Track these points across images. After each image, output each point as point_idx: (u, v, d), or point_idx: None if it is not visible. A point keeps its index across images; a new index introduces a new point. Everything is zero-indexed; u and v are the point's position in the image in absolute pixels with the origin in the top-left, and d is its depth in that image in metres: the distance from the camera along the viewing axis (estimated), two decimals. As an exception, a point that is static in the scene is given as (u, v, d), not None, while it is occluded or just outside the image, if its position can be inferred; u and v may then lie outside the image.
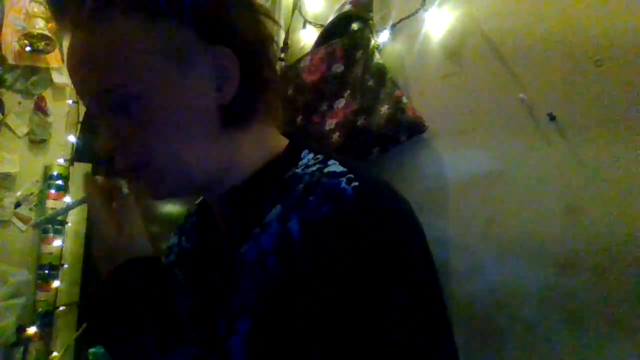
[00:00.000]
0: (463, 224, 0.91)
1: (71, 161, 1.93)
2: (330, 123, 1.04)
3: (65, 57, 0.53)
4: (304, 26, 1.32)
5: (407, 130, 0.97)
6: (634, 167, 0.71)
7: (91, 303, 0.49)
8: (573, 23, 0.79)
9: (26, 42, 1.77)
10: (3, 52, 1.80)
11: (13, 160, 1.83)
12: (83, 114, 1.89)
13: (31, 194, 1.88)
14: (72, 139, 1.92)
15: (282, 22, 1.38)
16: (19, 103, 1.87)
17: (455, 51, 0.96)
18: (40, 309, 1.79)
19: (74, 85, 0.52)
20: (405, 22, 1.04)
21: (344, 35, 1.08)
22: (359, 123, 0.99)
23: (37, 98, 1.89)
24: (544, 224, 0.80)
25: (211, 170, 0.53)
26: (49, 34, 1.78)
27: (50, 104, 1.93)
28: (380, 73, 1.01)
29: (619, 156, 0.72)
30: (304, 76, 1.12)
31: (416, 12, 1.01)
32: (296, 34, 1.35)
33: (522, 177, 0.83)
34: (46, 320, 1.80)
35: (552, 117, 0.79)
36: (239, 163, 0.55)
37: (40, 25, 1.77)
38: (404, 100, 0.97)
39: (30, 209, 1.87)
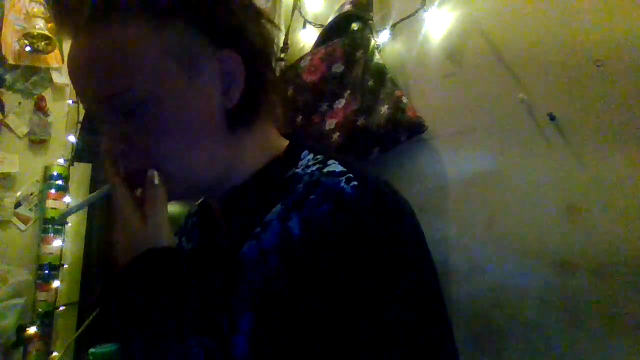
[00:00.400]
0: (463, 224, 0.91)
1: (71, 161, 1.92)
2: (330, 123, 1.04)
3: (66, 61, 0.51)
4: (304, 26, 1.32)
5: (407, 130, 0.97)
6: (634, 167, 0.71)
7: (108, 291, 0.49)
8: (573, 23, 0.79)
9: (26, 42, 1.77)
10: (3, 52, 1.80)
11: (13, 160, 1.83)
12: (83, 114, 1.89)
13: (31, 194, 1.88)
14: (72, 139, 1.92)
15: (282, 22, 1.38)
16: (19, 103, 1.86)
17: (455, 51, 0.96)
18: (40, 309, 1.78)
19: (76, 90, 0.51)
20: (405, 22, 1.04)
21: (344, 35, 1.08)
22: (359, 123, 0.99)
23: (37, 98, 1.89)
24: (544, 224, 0.80)
25: (217, 172, 0.54)
26: (49, 34, 1.78)
27: (50, 104, 1.93)
28: (380, 73, 1.01)
29: (619, 156, 0.72)
30: (304, 76, 1.12)
31: (416, 12, 1.01)
32: (296, 34, 1.35)
33: (522, 177, 0.83)
34: (46, 320, 1.80)
35: (552, 117, 0.79)
36: (241, 164, 0.55)
37: (40, 25, 1.76)
38: (404, 100, 0.97)
39: (30, 209, 1.87)
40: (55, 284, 1.83)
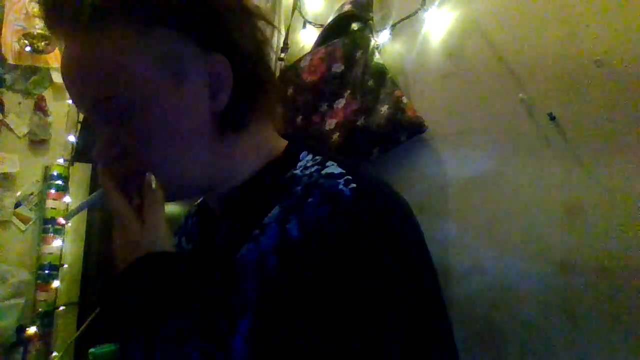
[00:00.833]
0: (463, 224, 0.91)
1: (71, 161, 1.92)
2: (330, 123, 1.04)
3: (60, 67, 0.51)
4: (304, 26, 1.32)
5: (407, 130, 0.97)
6: (634, 167, 0.71)
7: (107, 293, 0.49)
8: (573, 23, 0.79)
9: (26, 42, 1.77)
10: (3, 52, 1.80)
11: (13, 160, 1.83)
12: (83, 114, 1.89)
13: (31, 194, 1.88)
14: (72, 139, 1.92)
15: (282, 22, 1.38)
16: (19, 103, 1.87)
17: (455, 51, 0.96)
18: (40, 309, 1.78)
19: (70, 95, 0.52)
20: (405, 22, 1.04)
21: (344, 35, 1.08)
22: (359, 123, 0.99)
23: (37, 98, 1.89)
24: (543, 224, 0.80)
25: (210, 175, 0.54)
26: (49, 34, 1.78)
27: (50, 104, 1.93)
28: (380, 73, 1.01)
29: (619, 156, 0.72)
30: (304, 76, 1.12)
31: (416, 12, 1.01)
32: (296, 34, 1.35)
33: (522, 177, 0.83)
34: (46, 320, 1.80)
35: (552, 117, 0.79)
36: (238, 166, 0.55)
37: (40, 25, 1.76)
38: (404, 100, 0.97)
39: (30, 209, 1.87)
40: (55, 284, 1.83)
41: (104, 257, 1.97)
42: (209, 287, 0.53)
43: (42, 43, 1.79)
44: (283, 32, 1.34)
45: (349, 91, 1.04)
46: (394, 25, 1.06)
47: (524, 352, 0.80)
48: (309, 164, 0.51)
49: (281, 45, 1.31)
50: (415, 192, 0.98)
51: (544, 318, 0.78)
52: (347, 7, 1.10)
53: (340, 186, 0.46)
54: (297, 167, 0.52)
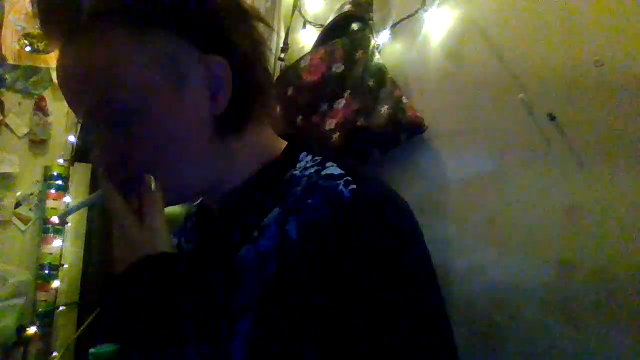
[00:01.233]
0: (463, 224, 0.91)
1: (71, 161, 1.92)
2: (330, 123, 1.04)
3: (55, 73, 0.51)
4: (304, 26, 1.32)
5: (407, 130, 0.97)
6: (633, 166, 0.71)
7: (107, 296, 0.49)
8: (573, 23, 0.79)
9: (26, 42, 1.77)
10: (3, 52, 1.80)
11: (13, 160, 1.83)
12: (80, 119, 1.89)
13: (31, 194, 1.87)
14: (72, 139, 1.92)
15: (282, 22, 1.38)
16: (19, 103, 1.86)
17: (455, 51, 0.96)
18: (40, 309, 1.78)
19: (66, 99, 0.51)
20: (405, 22, 1.04)
21: (344, 35, 1.08)
22: (359, 123, 0.99)
23: (37, 98, 1.89)
24: (543, 224, 0.80)
25: (209, 177, 0.54)
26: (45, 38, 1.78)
27: (50, 104, 1.93)
28: (380, 73, 1.01)
29: (619, 156, 0.72)
30: (304, 76, 1.11)
31: (416, 12, 1.01)
32: (296, 34, 1.35)
33: (522, 177, 0.83)
34: (46, 320, 1.79)
35: (552, 117, 0.79)
36: (237, 167, 0.55)
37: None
38: (404, 100, 0.97)
39: (30, 209, 1.87)
40: (55, 284, 1.83)
41: (104, 257, 1.97)
42: (208, 289, 0.53)
43: (42, 43, 1.79)
44: (283, 32, 1.34)
45: (349, 91, 1.04)
46: (394, 25, 1.06)
47: (524, 352, 0.80)
48: (308, 165, 0.51)
49: (280, 45, 1.31)
50: (415, 192, 0.98)
51: (544, 318, 0.78)
52: (347, 7, 1.10)
53: (340, 187, 0.45)
54: (297, 168, 0.52)
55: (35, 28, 1.76)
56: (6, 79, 1.82)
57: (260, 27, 0.56)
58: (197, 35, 0.49)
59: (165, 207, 0.54)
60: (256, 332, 0.45)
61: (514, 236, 0.83)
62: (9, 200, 1.81)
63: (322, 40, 1.15)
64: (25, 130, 1.87)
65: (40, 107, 1.89)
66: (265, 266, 0.46)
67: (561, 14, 0.80)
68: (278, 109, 1.13)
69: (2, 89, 1.80)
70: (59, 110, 1.97)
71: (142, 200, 0.50)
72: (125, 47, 0.47)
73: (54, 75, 1.93)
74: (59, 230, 1.87)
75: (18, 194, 1.84)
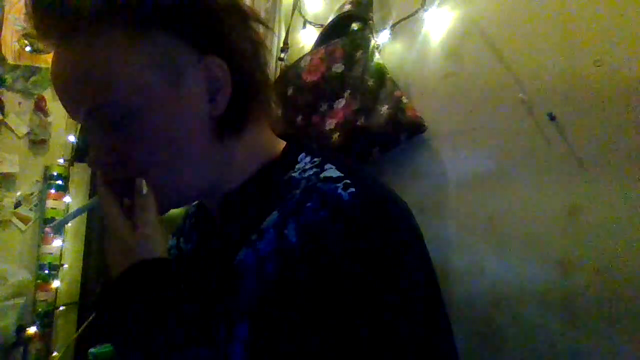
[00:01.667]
0: (463, 224, 0.91)
1: (71, 161, 1.92)
2: (330, 123, 1.04)
3: (50, 72, 0.50)
4: (304, 26, 1.32)
5: (407, 130, 0.97)
6: (633, 166, 0.71)
7: (102, 301, 0.48)
8: (573, 23, 0.79)
9: (26, 42, 1.77)
10: (3, 52, 1.80)
11: (13, 160, 1.83)
12: (76, 122, 1.89)
13: (31, 194, 1.87)
14: (72, 139, 1.92)
15: (282, 22, 1.38)
16: (19, 103, 1.86)
17: (455, 51, 0.96)
18: (40, 309, 1.78)
19: (62, 102, 0.50)
20: (405, 22, 1.04)
21: (344, 35, 1.08)
22: (359, 123, 0.99)
23: (37, 98, 1.89)
24: (544, 224, 0.80)
25: (208, 179, 0.53)
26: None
27: (50, 104, 1.93)
28: (380, 73, 1.01)
29: (619, 156, 0.72)
30: (304, 76, 1.11)
31: (416, 12, 1.01)
32: (296, 34, 1.35)
33: (522, 177, 0.83)
34: (46, 320, 1.80)
35: (552, 117, 0.79)
36: (236, 169, 0.54)
37: (40, 25, 1.76)
38: (404, 100, 0.97)
39: (30, 209, 1.87)
40: (55, 284, 1.83)
41: (104, 257, 1.97)
42: (206, 293, 0.52)
43: (42, 43, 1.79)
44: (283, 32, 1.34)
45: (349, 91, 1.04)
46: (394, 25, 1.06)
47: (524, 352, 0.80)
48: (307, 167, 0.51)
49: (280, 45, 1.31)
50: (415, 192, 0.98)
51: (544, 318, 0.78)
52: (347, 7, 1.10)
53: (339, 190, 0.45)
54: (296, 169, 0.51)
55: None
56: (6, 79, 1.82)
57: (259, 28, 0.56)
58: (196, 36, 0.49)
59: (165, 210, 0.54)
60: (255, 336, 0.45)
61: (514, 236, 0.83)
62: (9, 200, 1.81)
63: (322, 40, 1.15)
64: (25, 130, 1.87)
65: (40, 107, 1.89)
66: (264, 270, 0.46)
67: (561, 14, 0.80)
68: (278, 109, 1.13)
69: (2, 89, 1.80)
70: (59, 110, 1.97)
71: (135, 204, 0.50)
72: (122, 49, 0.46)
73: (54, 75, 1.94)
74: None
75: (18, 194, 1.84)
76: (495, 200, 0.87)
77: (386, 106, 0.97)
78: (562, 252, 0.77)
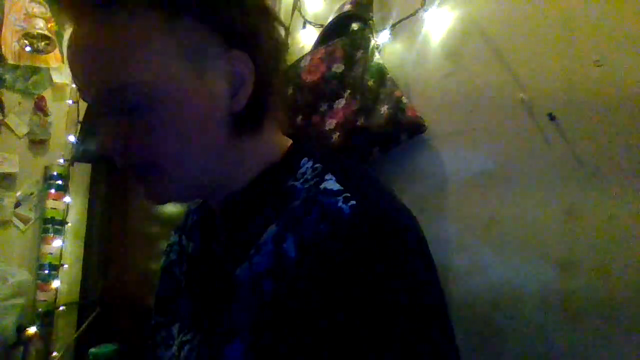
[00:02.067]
0: (463, 224, 0.91)
1: (71, 161, 1.92)
2: (330, 123, 1.04)
3: (67, 49, 0.47)
4: (304, 26, 1.32)
5: (407, 130, 0.96)
6: (634, 166, 0.71)
7: None
8: (573, 23, 0.79)
9: (26, 42, 1.77)
10: (3, 52, 1.80)
11: (13, 160, 1.83)
12: (83, 114, 1.89)
13: (31, 194, 1.88)
14: (72, 139, 1.92)
15: (282, 22, 1.37)
16: (19, 103, 1.86)
17: (455, 51, 0.96)
18: (40, 309, 1.78)
19: (76, 81, 0.48)
20: (405, 22, 1.04)
21: (344, 35, 1.08)
22: (359, 123, 0.99)
23: (37, 98, 1.89)
24: (543, 224, 0.80)
25: (216, 176, 0.52)
26: (49, 34, 1.78)
27: (50, 104, 1.93)
28: (380, 73, 1.01)
29: (619, 156, 0.72)
30: (304, 76, 1.11)
31: (416, 12, 1.01)
32: (296, 34, 1.35)
33: (522, 177, 0.83)
34: (46, 320, 1.80)
35: (552, 117, 0.79)
36: (243, 168, 0.53)
37: (40, 25, 1.76)
38: (404, 100, 0.97)
39: (30, 209, 1.87)
40: (55, 284, 1.83)
41: (104, 257, 1.97)
42: (201, 303, 0.51)
43: (42, 43, 1.79)
44: (283, 32, 1.34)
45: (349, 91, 1.04)
46: (394, 25, 1.06)
47: (524, 352, 0.80)
48: (308, 175, 0.50)
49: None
50: (415, 192, 0.98)
51: (544, 318, 0.78)
52: (347, 7, 1.10)
53: (340, 204, 0.44)
54: (297, 176, 0.50)
55: (35, 28, 1.76)
56: (6, 79, 1.82)
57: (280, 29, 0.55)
58: (226, 29, 0.47)
59: (164, 202, 0.53)
60: (249, 356, 0.43)
61: (513, 236, 0.83)
62: (9, 200, 1.81)
63: (322, 40, 1.15)
64: (25, 130, 1.88)
65: (40, 107, 1.89)
66: (260, 286, 0.45)
67: (561, 14, 0.80)
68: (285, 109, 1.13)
69: (2, 89, 1.80)
70: (59, 110, 1.98)
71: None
72: (155, 31, 0.44)
73: (54, 75, 1.94)
74: (59, 230, 1.88)
75: (18, 194, 1.84)
76: (495, 200, 0.86)
77: (386, 106, 0.97)
78: (562, 252, 0.77)
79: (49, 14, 1.81)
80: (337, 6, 1.16)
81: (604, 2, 0.75)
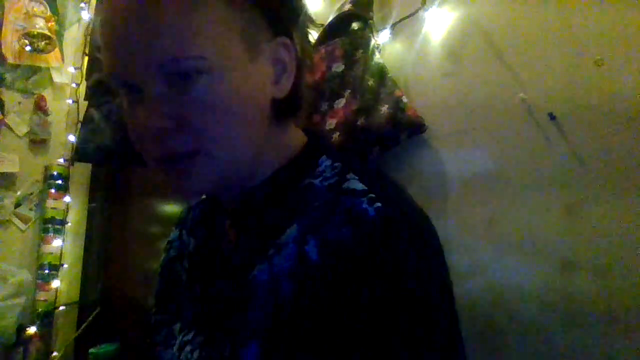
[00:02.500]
0: (463, 224, 0.91)
1: (71, 161, 1.92)
2: (331, 123, 1.04)
3: (110, 20, 0.43)
4: (304, 26, 1.32)
5: (407, 130, 0.96)
6: (634, 166, 0.71)
7: None
8: (573, 23, 0.79)
9: (26, 41, 1.76)
10: (3, 52, 1.80)
11: (13, 160, 1.83)
12: (84, 114, 1.89)
13: (31, 194, 1.87)
14: (72, 138, 1.92)
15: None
16: (19, 103, 1.86)
17: (455, 51, 0.96)
18: (40, 309, 1.78)
19: (119, 51, 0.43)
20: (405, 22, 1.04)
21: (344, 34, 1.08)
22: (359, 123, 0.99)
23: (37, 98, 1.89)
24: (544, 224, 0.80)
25: (251, 164, 0.50)
26: (49, 34, 1.78)
27: (50, 104, 1.93)
28: (381, 73, 1.01)
29: (619, 156, 0.72)
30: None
31: (416, 12, 1.01)
32: (296, 34, 1.34)
33: (522, 177, 0.83)
34: (46, 320, 1.80)
35: (552, 117, 0.79)
36: (263, 162, 0.52)
37: (40, 25, 1.76)
38: (404, 100, 0.97)
39: (30, 209, 1.87)
40: (55, 284, 1.83)
41: (104, 257, 1.97)
42: (214, 303, 0.50)
43: (42, 42, 1.79)
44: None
45: (349, 91, 1.04)
46: (394, 25, 1.06)
47: (524, 352, 0.80)
48: (327, 174, 0.49)
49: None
50: (415, 192, 0.97)
51: (544, 318, 0.78)
52: (348, 7, 1.10)
53: (364, 205, 0.43)
54: (316, 174, 0.49)
55: (35, 28, 1.76)
56: (6, 78, 1.82)
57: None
58: (272, 14, 0.47)
59: (197, 192, 0.52)
60: (268, 357, 0.43)
61: (514, 236, 0.83)
62: (9, 200, 1.81)
63: (322, 40, 1.15)
64: (25, 130, 1.87)
65: (40, 107, 1.89)
66: (280, 288, 0.44)
67: (561, 13, 0.80)
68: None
69: (2, 89, 1.80)
70: (59, 110, 1.97)
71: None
72: (219, 9, 0.43)
73: (54, 74, 1.93)
74: (59, 230, 1.87)
75: (18, 194, 1.84)
76: (495, 200, 0.87)
77: (386, 106, 0.97)
78: (562, 252, 0.77)
79: (49, 14, 1.81)
80: (337, 6, 1.16)
81: (604, 2, 0.75)
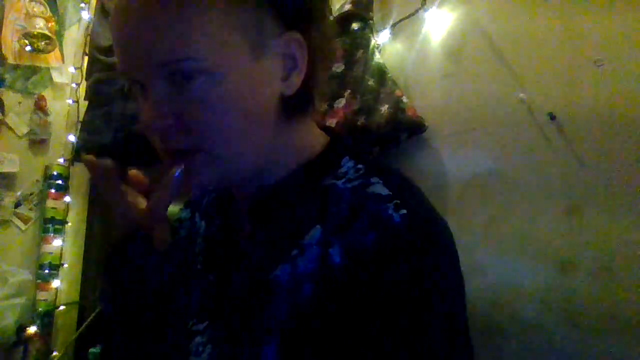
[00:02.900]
0: (463, 224, 0.91)
1: (71, 161, 1.92)
2: (331, 123, 1.04)
3: (117, 18, 0.45)
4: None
5: (407, 130, 0.97)
6: (634, 166, 0.71)
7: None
8: (573, 23, 0.79)
9: (26, 41, 1.77)
10: (3, 52, 1.80)
11: (13, 160, 1.83)
12: (84, 113, 1.89)
13: (31, 194, 1.87)
14: (72, 138, 1.92)
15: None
16: (19, 103, 1.86)
17: (455, 51, 0.96)
18: (40, 309, 1.78)
19: (124, 55, 0.45)
20: (405, 22, 1.04)
21: (344, 35, 1.08)
22: (359, 123, 0.99)
23: (37, 98, 1.89)
24: (544, 224, 0.80)
25: (260, 163, 0.49)
26: (49, 34, 1.78)
27: (50, 104, 1.93)
28: (381, 73, 1.01)
29: (619, 156, 0.72)
30: (304, 76, 1.11)
31: (416, 12, 1.01)
32: (296, 34, 1.35)
33: (522, 177, 0.83)
34: (46, 320, 1.80)
35: (552, 117, 0.79)
36: (280, 160, 0.51)
37: (41, 25, 1.76)
38: (404, 100, 0.97)
39: (30, 209, 1.87)
40: (55, 283, 1.83)
41: (104, 257, 1.97)
42: (232, 304, 0.50)
43: (42, 43, 1.79)
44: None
45: (349, 91, 1.04)
46: (394, 25, 1.06)
47: (524, 352, 0.80)
48: (351, 175, 0.48)
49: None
50: (415, 192, 0.98)
51: (544, 318, 0.78)
52: (348, 7, 1.10)
53: (390, 211, 0.42)
54: (338, 175, 0.49)
55: (35, 28, 1.76)
56: (6, 78, 1.82)
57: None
58: (282, 9, 0.46)
59: (206, 187, 0.53)
60: (286, 358, 0.43)
61: (514, 236, 0.83)
62: (9, 200, 1.81)
63: (322, 40, 1.15)
64: (25, 130, 1.87)
65: (40, 107, 1.89)
66: (300, 289, 0.44)
67: (561, 14, 0.80)
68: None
69: (2, 89, 1.80)
70: (59, 110, 1.97)
71: (162, 184, 0.46)
72: (219, 5, 0.43)
73: (54, 74, 1.94)
74: (59, 230, 1.87)
75: (18, 194, 1.84)
76: (495, 200, 0.87)
77: (386, 106, 0.97)
78: (562, 252, 0.77)
79: (49, 14, 1.81)
80: (337, 6, 1.16)
81: (604, 2, 0.75)
